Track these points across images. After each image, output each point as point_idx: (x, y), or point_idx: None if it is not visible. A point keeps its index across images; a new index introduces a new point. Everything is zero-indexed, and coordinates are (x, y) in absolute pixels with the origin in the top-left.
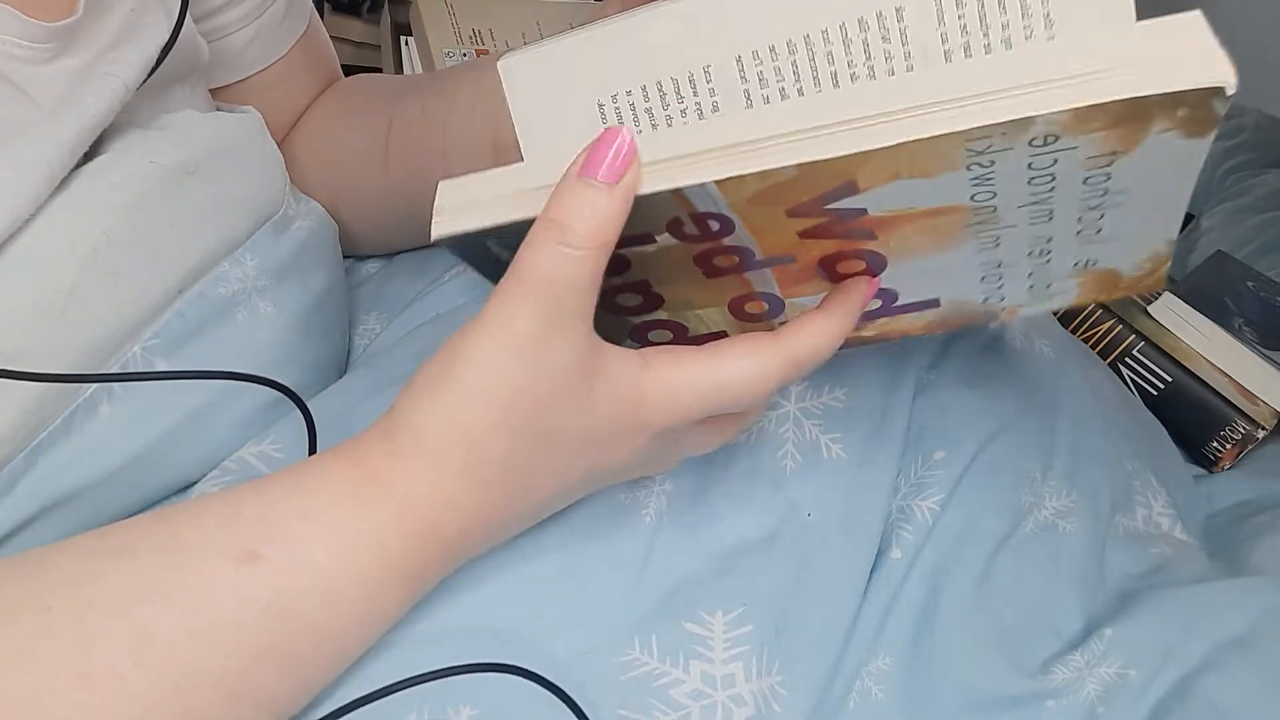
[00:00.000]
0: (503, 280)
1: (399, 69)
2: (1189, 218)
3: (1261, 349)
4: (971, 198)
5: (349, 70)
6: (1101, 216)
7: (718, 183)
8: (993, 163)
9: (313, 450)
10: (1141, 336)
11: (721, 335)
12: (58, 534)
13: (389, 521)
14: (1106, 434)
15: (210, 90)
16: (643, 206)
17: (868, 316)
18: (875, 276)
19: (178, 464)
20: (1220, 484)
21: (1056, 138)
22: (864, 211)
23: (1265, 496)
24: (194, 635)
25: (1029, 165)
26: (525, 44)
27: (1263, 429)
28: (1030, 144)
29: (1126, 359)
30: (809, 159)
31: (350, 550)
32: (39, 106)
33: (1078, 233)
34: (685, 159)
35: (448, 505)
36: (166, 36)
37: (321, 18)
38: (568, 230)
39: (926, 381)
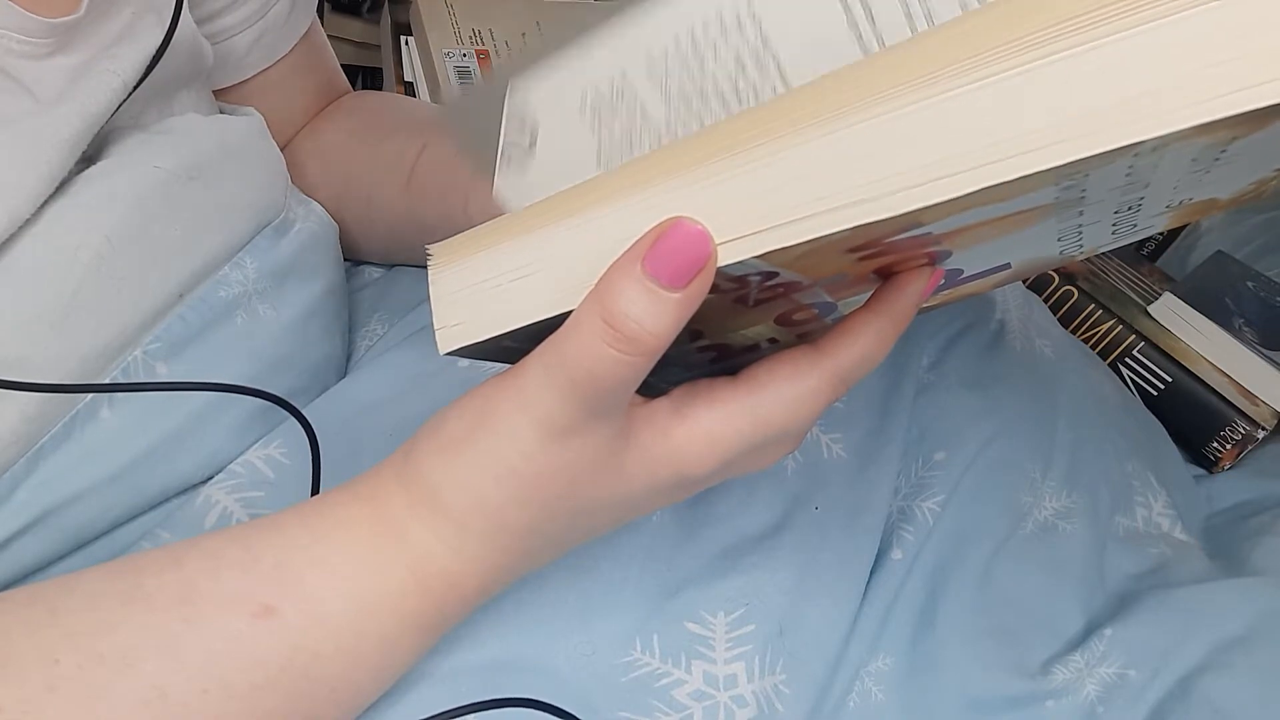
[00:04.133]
0: (545, 361)
1: (399, 69)
2: None
3: (1261, 349)
4: (1056, 198)
5: (349, 70)
6: (1206, 173)
7: (760, 255)
8: (1087, 175)
9: (315, 457)
10: (1141, 336)
11: (770, 343)
12: (60, 538)
13: (408, 577)
14: (1106, 434)
15: (213, 91)
16: None
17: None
18: (937, 267)
19: (179, 466)
20: (1220, 484)
21: (1170, 145)
22: (929, 234)
23: (1265, 496)
24: (206, 695)
25: (1128, 170)
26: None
27: (1263, 429)
28: (1135, 156)
29: (1126, 359)
30: (866, 221)
31: (368, 606)
32: (37, 100)
33: (1175, 188)
34: (720, 230)
35: (467, 566)
36: (160, 40)
37: (321, 18)
38: (623, 340)
39: (926, 382)
